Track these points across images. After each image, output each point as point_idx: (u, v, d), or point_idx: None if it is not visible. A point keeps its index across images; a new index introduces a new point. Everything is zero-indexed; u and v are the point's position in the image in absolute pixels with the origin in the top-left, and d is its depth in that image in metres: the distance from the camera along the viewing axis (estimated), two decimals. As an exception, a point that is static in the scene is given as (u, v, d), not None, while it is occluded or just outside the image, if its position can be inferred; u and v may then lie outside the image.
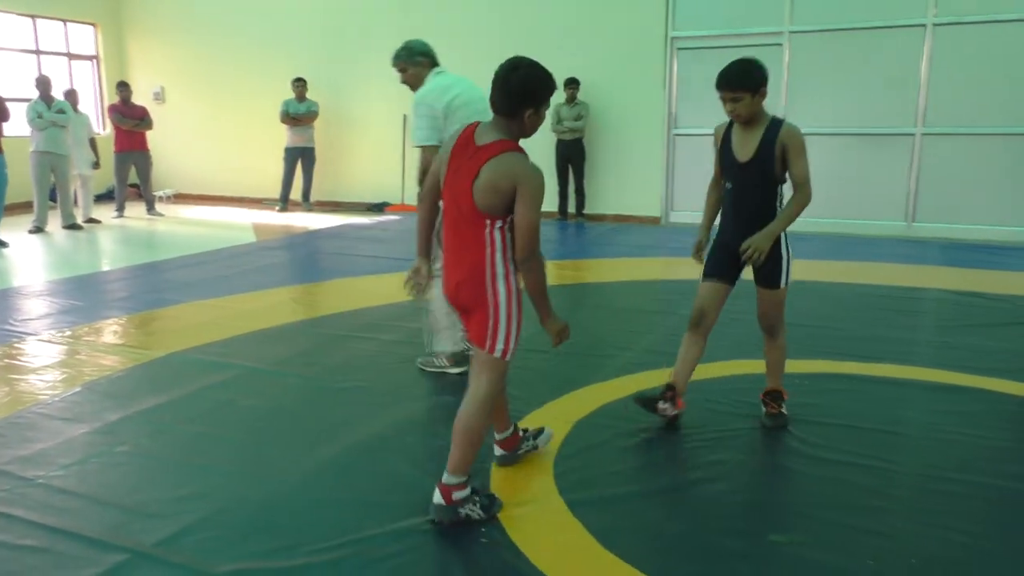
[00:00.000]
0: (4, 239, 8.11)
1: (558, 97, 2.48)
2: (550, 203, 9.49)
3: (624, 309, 5.52)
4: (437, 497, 2.60)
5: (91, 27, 12.09)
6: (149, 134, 10.47)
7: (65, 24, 11.68)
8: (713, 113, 9.04)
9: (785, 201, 3.23)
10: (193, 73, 12.04)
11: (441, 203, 2.69)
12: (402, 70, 4.07)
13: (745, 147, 3.20)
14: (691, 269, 6.74)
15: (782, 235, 3.21)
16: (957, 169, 8.34)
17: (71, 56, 11.85)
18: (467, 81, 4.01)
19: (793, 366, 3.57)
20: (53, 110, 8.99)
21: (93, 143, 9.85)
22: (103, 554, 2.44)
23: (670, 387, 3.40)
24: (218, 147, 12.05)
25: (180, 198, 12.12)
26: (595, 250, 7.87)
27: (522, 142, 2.55)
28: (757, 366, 3.74)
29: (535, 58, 2.52)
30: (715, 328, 3.50)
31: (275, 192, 11.12)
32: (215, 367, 4.22)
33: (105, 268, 7.22)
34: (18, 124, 9.17)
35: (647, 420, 3.45)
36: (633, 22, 9.35)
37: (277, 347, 4.60)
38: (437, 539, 2.54)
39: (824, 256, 7.22)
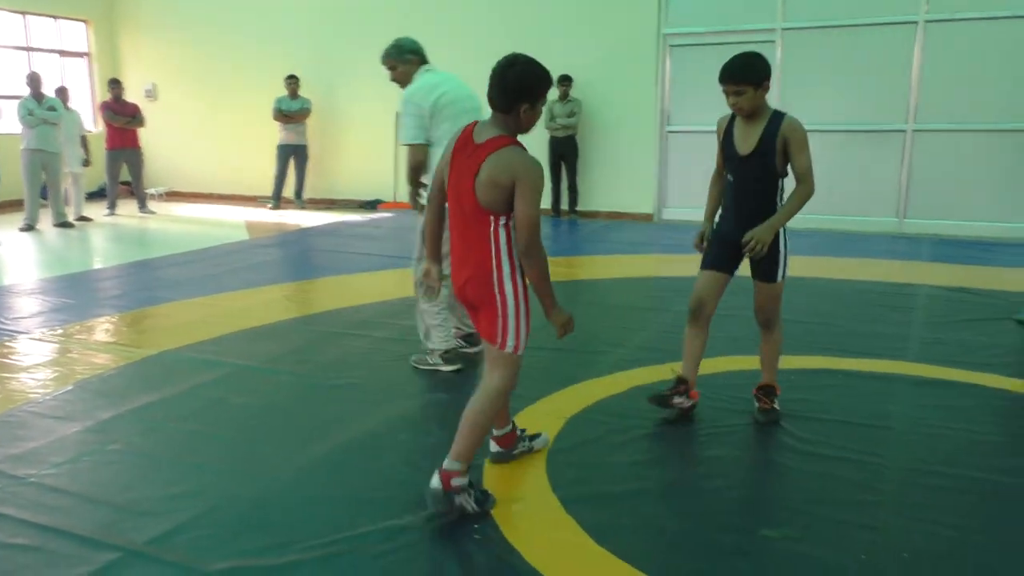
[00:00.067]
0: (-5, 237, 8.08)
1: (551, 94, 2.51)
2: (543, 200, 9.48)
3: (617, 306, 5.53)
4: (435, 482, 2.61)
5: (83, 24, 12.03)
6: (141, 131, 10.43)
7: (56, 21, 11.63)
8: (706, 110, 9.08)
9: (786, 195, 3.25)
10: (186, 70, 12.00)
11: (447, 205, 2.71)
12: (391, 68, 4.08)
13: (746, 140, 3.23)
14: (684, 266, 6.79)
15: (781, 229, 3.23)
16: (948, 165, 8.37)
17: (63, 53, 11.80)
18: (455, 79, 4.01)
19: (785, 362, 3.59)
20: (44, 107, 8.96)
21: (84, 141, 9.82)
22: (95, 552, 2.44)
23: (681, 380, 3.44)
24: (210, 145, 12.01)
25: (172, 196, 12.09)
26: (588, 247, 7.88)
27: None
28: (750, 362, 3.75)
29: (528, 55, 2.55)
30: (686, 327, 3.51)
31: (268, 190, 11.10)
32: (207, 365, 4.21)
33: (97, 266, 7.20)
34: (9, 121, 9.14)
35: (640, 416, 3.46)
36: (626, 19, 9.35)
37: (269, 345, 4.60)
38: (430, 536, 2.55)
39: (816, 252, 7.23)
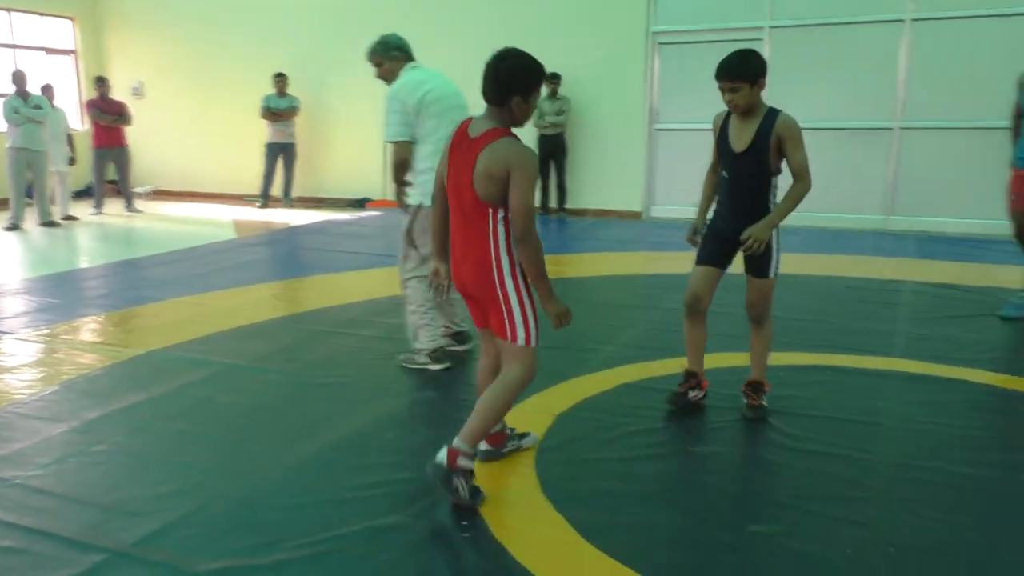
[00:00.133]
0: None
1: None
2: (532, 198, 9.49)
3: (605, 304, 5.54)
4: (442, 455, 2.64)
5: (69, 21, 11.95)
6: (128, 129, 10.36)
7: (42, 18, 11.54)
8: (694, 108, 9.10)
9: (778, 192, 3.28)
10: (173, 68, 11.93)
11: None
12: (377, 64, 4.06)
13: (741, 137, 3.25)
14: (672, 263, 6.80)
15: None
16: (934, 163, 8.41)
17: (48, 51, 11.71)
18: (441, 76, 4.00)
19: (774, 358, 3.60)
20: (30, 105, 8.90)
21: (70, 139, 9.75)
22: (81, 554, 2.42)
23: (691, 374, 3.52)
24: (198, 143, 11.95)
25: (159, 195, 12.02)
26: (576, 244, 7.88)
27: None
28: (738, 359, 3.76)
29: (521, 49, 2.59)
30: (684, 322, 3.52)
31: (256, 188, 11.05)
32: (195, 364, 4.19)
33: (83, 265, 7.15)
34: (-7, 120, 9.06)
35: (629, 414, 3.47)
36: (614, 17, 9.36)
37: (257, 343, 4.58)
38: (418, 535, 2.54)
39: (804, 249, 7.27)
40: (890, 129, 8.52)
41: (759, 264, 3.31)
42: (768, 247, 3.25)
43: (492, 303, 2.65)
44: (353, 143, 10.91)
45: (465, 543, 2.49)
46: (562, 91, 9.41)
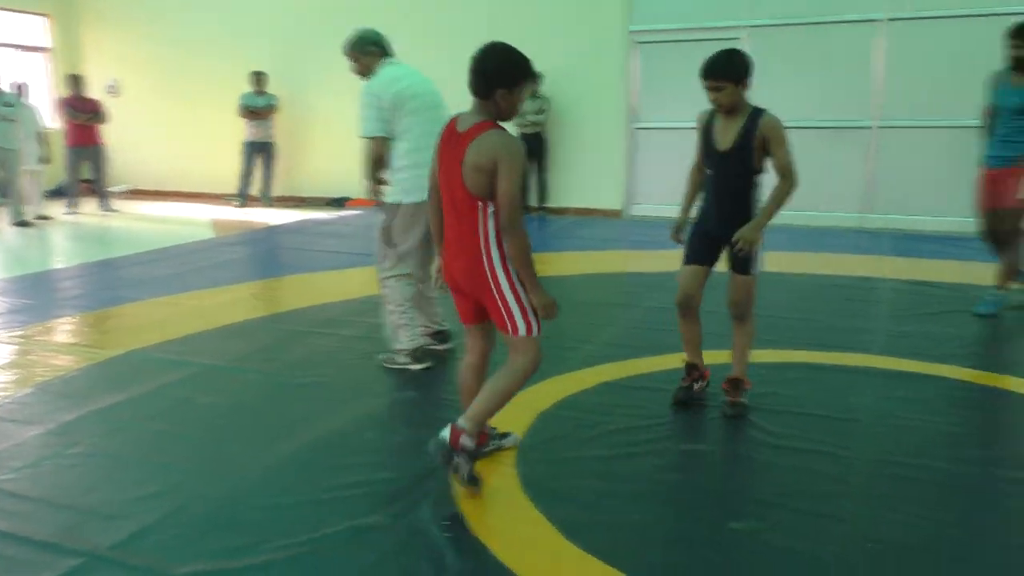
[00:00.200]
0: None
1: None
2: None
3: (585, 302, 5.54)
4: (445, 432, 2.69)
5: (43, 18, 11.78)
6: (104, 128, 10.24)
7: (15, 15, 11.37)
8: (674, 107, 9.12)
9: (762, 191, 3.32)
10: (149, 66, 11.80)
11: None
12: (354, 59, 4.04)
13: (726, 136, 3.28)
14: (652, 262, 6.82)
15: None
16: (911, 161, 8.50)
17: (21, 48, 11.54)
18: (418, 73, 3.99)
19: (754, 356, 3.61)
20: (2, 103, 8.76)
21: (43, 137, 9.62)
22: (57, 558, 2.39)
23: (692, 367, 3.58)
24: (175, 141, 11.83)
25: (136, 194, 11.89)
26: (556, 243, 7.88)
27: None
28: (718, 356, 3.77)
29: (507, 43, 2.63)
30: (677, 320, 3.54)
31: (234, 187, 10.95)
32: (173, 365, 4.15)
33: (57, 266, 7.06)
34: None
35: (610, 412, 3.48)
36: (593, 16, 9.37)
37: (236, 343, 4.54)
38: (399, 535, 2.53)
39: (782, 247, 7.31)
40: (867, 128, 8.60)
41: (743, 261, 3.34)
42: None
43: (487, 298, 2.69)
44: (333, 142, 10.84)
45: (446, 542, 2.48)
46: (542, 90, 9.41)
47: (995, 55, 5.11)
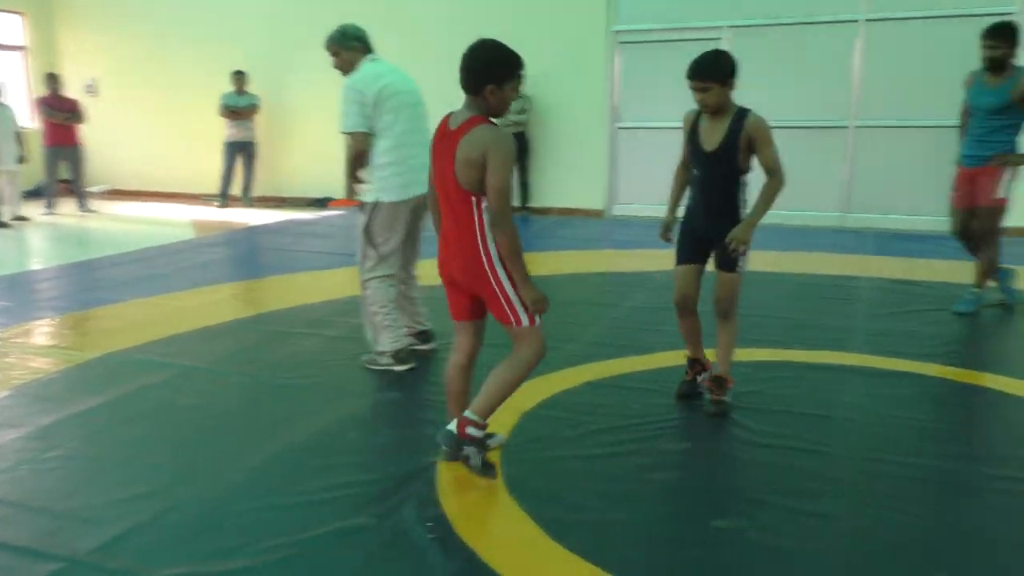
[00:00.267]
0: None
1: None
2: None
3: (568, 302, 5.54)
4: (452, 425, 2.78)
5: (19, 16, 11.64)
6: (82, 128, 10.13)
7: (-11, 14, 11.25)
8: (656, 106, 9.14)
9: (748, 191, 3.35)
10: (129, 65, 11.69)
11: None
12: (335, 54, 4.01)
13: (712, 137, 3.30)
14: (634, 261, 6.84)
15: (742, 218, 3.32)
16: (889, 161, 8.57)
17: (-4, 47, 11.42)
18: (399, 71, 3.98)
19: (736, 354, 3.63)
20: (-23, 103, 8.66)
21: (20, 137, 9.50)
22: (35, 563, 2.35)
23: (694, 361, 3.63)
24: (155, 141, 11.73)
25: (115, 194, 11.76)
26: (539, 243, 7.88)
27: None
28: (707, 355, 3.79)
29: (496, 39, 2.68)
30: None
31: (215, 187, 10.88)
32: (154, 366, 4.11)
33: (35, 267, 6.97)
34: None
35: (593, 412, 3.48)
36: (575, 16, 9.38)
37: (218, 345, 4.51)
38: (384, 537, 2.52)
39: (763, 246, 7.34)
40: (845, 128, 8.67)
41: (729, 259, 3.36)
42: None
43: (487, 292, 2.71)
44: (314, 141, 10.79)
45: (431, 544, 2.47)
46: (524, 90, 9.41)
47: (971, 55, 5.16)
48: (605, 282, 6.37)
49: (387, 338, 4.01)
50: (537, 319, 2.75)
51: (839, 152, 8.74)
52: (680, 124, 3.50)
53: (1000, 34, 4.74)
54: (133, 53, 11.60)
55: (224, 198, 10.75)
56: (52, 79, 9.98)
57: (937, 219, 8.26)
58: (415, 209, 4.00)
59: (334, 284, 5.97)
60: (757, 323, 4.71)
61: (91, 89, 11.84)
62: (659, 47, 9.07)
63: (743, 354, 4.02)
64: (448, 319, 2.99)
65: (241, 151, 10.69)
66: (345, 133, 3.86)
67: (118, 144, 11.81)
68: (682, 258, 3.52)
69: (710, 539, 2.51)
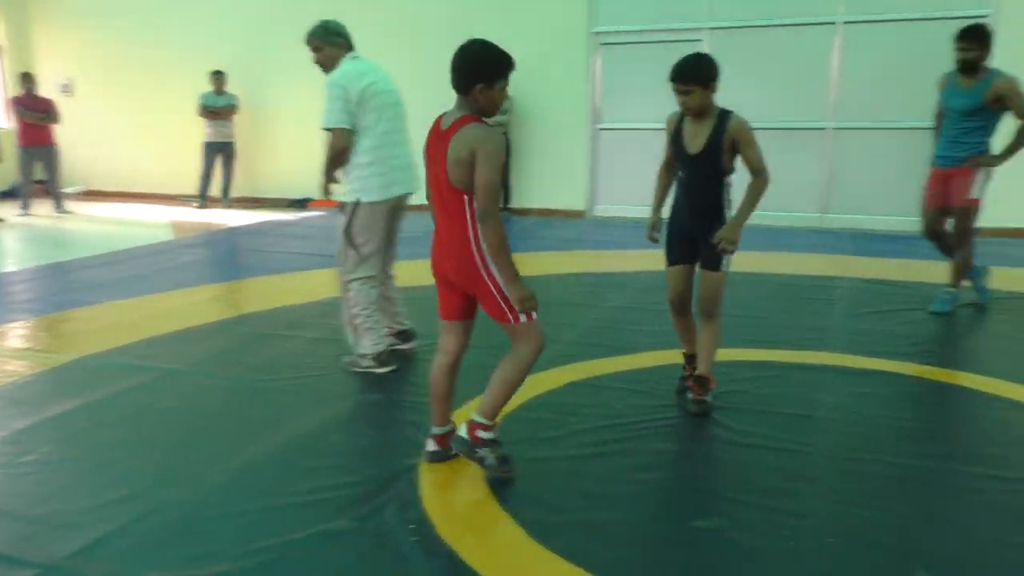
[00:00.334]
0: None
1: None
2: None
3: (549, 303, 5.52)
4: (462, 429, 2.81)
5: (-9, 16, 11.50)
6: (58, 128, 10.02)
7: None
8: (637, 107, 9.16)
9: (732, 192, 3.39)
10: (105, 64, 11.56)
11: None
12: (317, 49, 3.98)
13: (695, 139, 3.33)
14: (615, 262, 6.86)
15: (727, 218, 3.36)
16: (866, 162, 8.66)
17: (-31, 46, 11.26)
18: (381, 70, 3.96)
19: (717, 354, 3.65)
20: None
21: (-6, 137, 9.39)
22: (9, 570, 2.32)
23: (692, 357, 3.68)
24: (132, 142, 11.61)
25: (91, 195, 11.65)
26: (520, 244, 7.88)
27: None
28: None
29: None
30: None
31: (193, 188, 10.79)
32: (132, 369, 4.06)
33: (10, 269, 6.87)
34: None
35: (575, 412, 3.48)
36: (555, 17, 9.40)
37: (197, 347, 4.47)
38: (366, 539, 2.50)
39: (743, 247, 7.38)
40: (823, 129, 8.75)
41: (713, 257, 3.39)
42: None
43: (481, 290, 2.72)
44: (294, 142, 10.73)
45: (413, 546, 2.46)
46: (505, 91, 9.41)
47: (945, 57, 5.22)
48: (586, 283, 6.38)
49: (368, 341, 3.99)
50: (534, 313, 2.74)
51: (817, 153, 8.82)
52: (661, 125, 3.53)
53: (972, 36, 4.80)
54: (109, 52, 11.48)
55: (203, 199, 10.66)
56: (26, 78, 9.87)
57: (912, 219, 8.36)
58: (394, 209, 3.99)
59: (314, 285, 5.94)
60: (738, 323, 4.74)
61: (66, 89, 11.70)
62: (639, 48, 9.11)
63: (724, 354, 4.04)
64: (429, 320, 2.99)
65: (220, 151, 10.61)
66: (327, 129, 3.83)
67: (94, 144, 11.68)
68: (673, 258, 3.56)
69: (692, 539, 2.52)
